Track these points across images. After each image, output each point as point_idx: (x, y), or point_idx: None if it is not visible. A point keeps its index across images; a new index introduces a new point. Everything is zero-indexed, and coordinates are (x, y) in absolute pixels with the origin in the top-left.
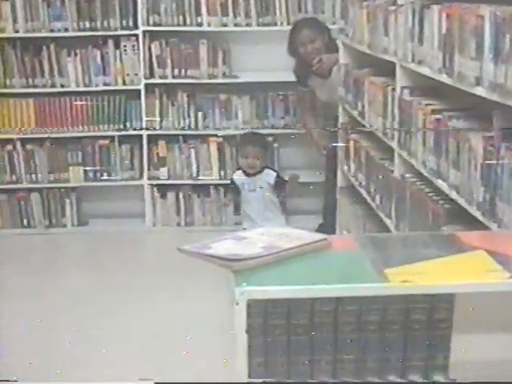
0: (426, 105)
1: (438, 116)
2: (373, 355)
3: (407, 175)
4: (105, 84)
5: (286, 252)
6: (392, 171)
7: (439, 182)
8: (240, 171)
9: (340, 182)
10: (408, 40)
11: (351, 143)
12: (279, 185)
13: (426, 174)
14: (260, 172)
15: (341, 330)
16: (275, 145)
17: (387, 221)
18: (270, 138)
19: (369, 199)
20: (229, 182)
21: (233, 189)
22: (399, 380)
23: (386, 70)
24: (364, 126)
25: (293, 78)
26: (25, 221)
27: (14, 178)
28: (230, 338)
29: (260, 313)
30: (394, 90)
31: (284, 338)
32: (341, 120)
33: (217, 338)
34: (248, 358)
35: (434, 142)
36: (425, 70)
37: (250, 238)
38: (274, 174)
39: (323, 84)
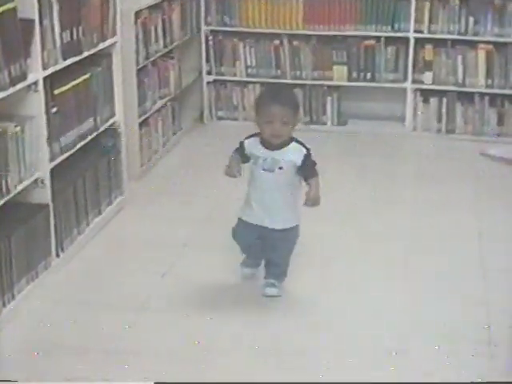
0: None
1: None
2: None
3: None
4: None
5: None
6: None
7: None
8: (255, 138)
9: None
10: None
11: None
12: (306, 169)
13: None
14: (283, 146)
15: None
16: None
17: None
18: None
19: None
20: None
21: (238, 155)
22: None
23: None
24: None
25: None
26: None
27: (278, 72)
28: None
29: None
30: None
31: None
32: None
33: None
34: None
35: None
36: None
37: None
38: (304, 150)
39: None
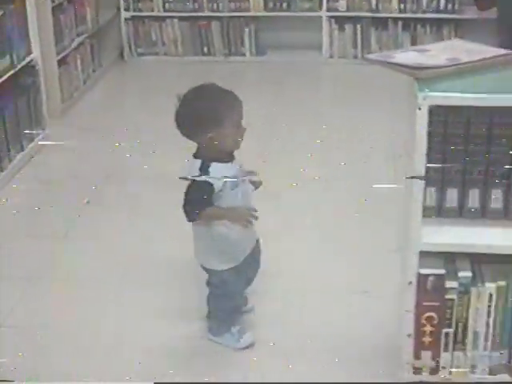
0: None
1: None
2: None
3: None
4: None
5: (470, 65)
6: None
7: None
8: (207, 164)
9: None
10: None
11: None
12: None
13: None
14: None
15: None
16: None
17: None
18: None
19: None
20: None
21: (203, 189)
22: None
23: None
24: None
25: None
26: (205, 49)
27: (195, 6)
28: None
29: (440, 121)
30: None
31: (461, 147)
32: None
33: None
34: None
35: None
36: None
37: (432, 51)
38: None
39: None
